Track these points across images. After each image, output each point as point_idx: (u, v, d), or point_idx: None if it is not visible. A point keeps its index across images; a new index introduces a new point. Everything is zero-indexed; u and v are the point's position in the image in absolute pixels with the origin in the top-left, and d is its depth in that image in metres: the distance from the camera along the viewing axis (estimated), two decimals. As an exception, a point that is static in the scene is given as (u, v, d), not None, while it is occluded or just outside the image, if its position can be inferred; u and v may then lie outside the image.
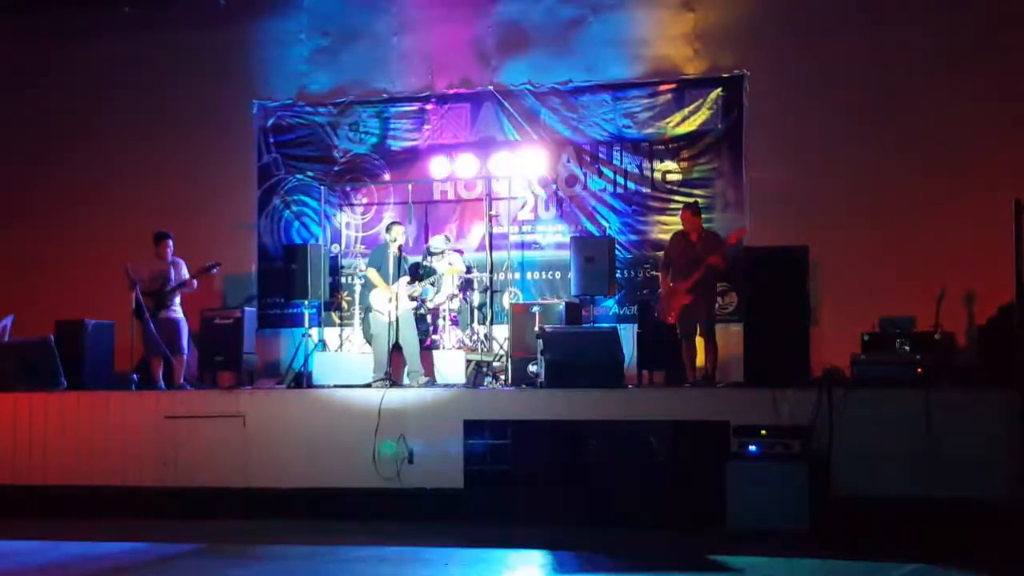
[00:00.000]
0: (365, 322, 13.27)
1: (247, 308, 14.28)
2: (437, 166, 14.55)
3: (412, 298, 12.56)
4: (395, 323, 12.23)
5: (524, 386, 11.77)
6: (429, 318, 13.09)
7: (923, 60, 13.47)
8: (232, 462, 11.15)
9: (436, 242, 13.60)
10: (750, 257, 11.36)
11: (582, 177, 14.71)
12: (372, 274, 12.60)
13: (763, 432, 9.75)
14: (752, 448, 9.72)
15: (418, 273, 12.90)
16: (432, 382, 12.26)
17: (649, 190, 14.46)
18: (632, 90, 14.57)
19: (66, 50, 15.98)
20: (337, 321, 14.48)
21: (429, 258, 13.38)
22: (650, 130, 14.47)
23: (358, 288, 14.14)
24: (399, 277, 12.51)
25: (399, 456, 10.76)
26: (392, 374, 12.06)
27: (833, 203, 13.46)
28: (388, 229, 12.94)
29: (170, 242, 13.06)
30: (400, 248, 12.76)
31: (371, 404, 10.93)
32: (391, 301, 12.29)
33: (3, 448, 11.65)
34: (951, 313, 12.03)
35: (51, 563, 9.02)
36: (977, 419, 9.72)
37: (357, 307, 14.02)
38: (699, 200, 13.59)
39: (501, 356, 13.14)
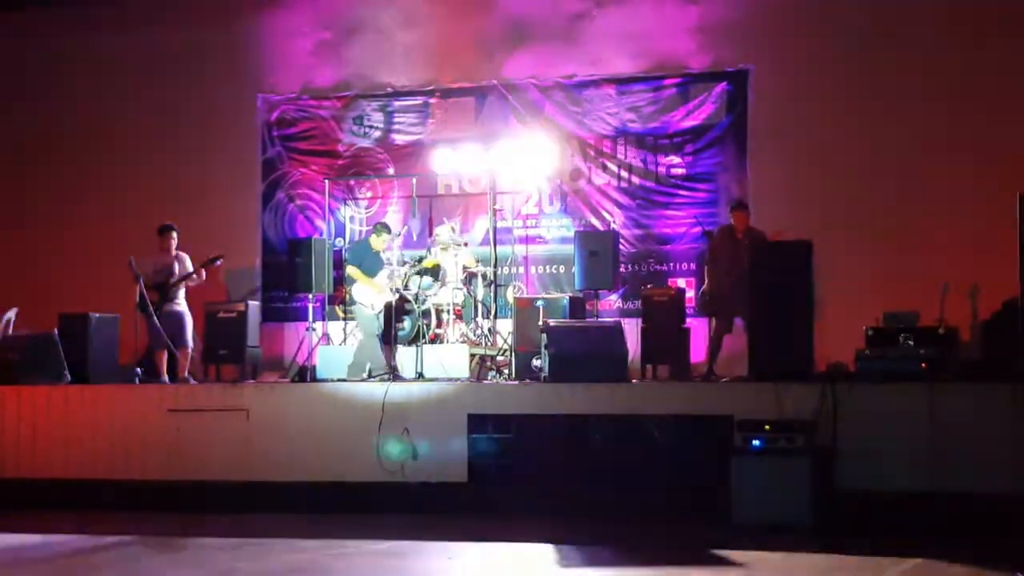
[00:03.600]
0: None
1: (251, 302, 14.29)
2: (441, 160, 14.56)
3: (391, 291, 12.54)
4: (380, 316, 12.25)
5: (528, 380, 11.76)
6: (433, 312, 13.06)
7: (928, 53, 13.46)
8: (236, 456, 11.15)
9: (442, 232, 13.57)
10: (754, 251, 11.34)
11: (586, 171, 14.72)
12: (353, 271, 12.60)
13: (767, 427, 9.73)
14: (756, 443, 9.70)
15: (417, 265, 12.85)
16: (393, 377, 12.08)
17: (653, 184, 14.48)
18: (636, 84, 14.58)
19: (70, 45, 16.01)
20: (341, 315, 14.48)
21: (434, 249, 13.34)
22: (654, 124, 14.50)
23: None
24: (378, 272, 12.54)
25: (405, 454, 10.75)
26: (396, 368, 12.05)
27: (837, 197, 13.47)
28: (377, 231, 12.93)
29: (174, 235, 13.08)
30: (378, 250, 12.78)
31: (375, 398, 10.93)
32: (379, 294, 12.31)
33: (7, 441, 11.64)
34: (955, 307, 12.03)
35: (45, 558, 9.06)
36: (981, 413, 9.69)
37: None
38: (703, 194, 13.73)
39: (505, 350, 13.13)
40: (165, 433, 11.34)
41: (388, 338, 12.30)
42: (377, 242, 12.76)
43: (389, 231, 13.00)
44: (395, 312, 12.48)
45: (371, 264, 12.66)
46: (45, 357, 12.24)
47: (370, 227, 13.78)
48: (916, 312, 11.65)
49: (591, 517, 10.07)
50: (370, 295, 12.45)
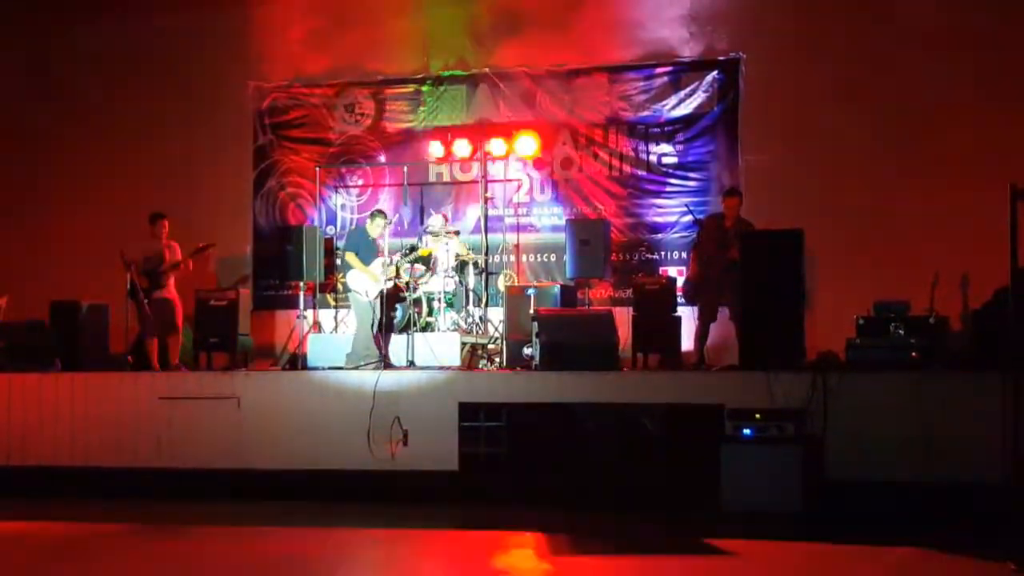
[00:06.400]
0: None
1: (242, 289, 14.26)
2: (433, 148, 14.54)
3: (387, 279, 12.55)
4: (377, 304, 12.25)
5: (519, 368, 11.77)
6: (424, 300, 13.06)
7: (921, 43, 13.47)
8: (226, 444, 11.15)
9: (434, 222, 13.58)
10: (745, 240, 11.35)
11: (578, 160, 14.71)
12: (350, 257, 12.59)
13: (757, 415, 9.76)
14: (746, 431, 9.73)
15: (409, 253, 12.87)
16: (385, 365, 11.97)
17: (645, 173, 14.47)
18: (628, 73, 14.57)
19: (63, 33, 15.94)
20: (332, 303, 14.46)
21: (426, 238, 13.36)
22: (646, 113, 14.48)
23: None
24: (373, 259, 12.56)
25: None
26: (386, 356, 12.05)
27: (829, 186, 13.47)
28: (373, 216, 12.93)
29: (165, 223, 13.07)
30: (373, 237, 12.78)
31: (366, 386, 10.93)
32: (375, 282, 12.30)
33: (-3, 429, 11.66)
34: (945, 297, 12.03)
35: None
36: (971, 403, 9.73)
37: (352, 289, 14.01)
38: (694, 183, 13.79)
39: (496, 338, 13.14)
40: (156, 421, 11.33)
41: (382, 326, 12.30)
42: (373, 228, 12.76)
43: (385, 216, 13.01)
44: (389, 300, 12.48)
45: (367, 251, 12.67)
46: (36, 345, 12.25)
47: (363, 215, 13.78)
48: (907, 301, 11.67)
49: (581, 505, 10.09)
50: (365, 282, 12.44)
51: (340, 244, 14.54)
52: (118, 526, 9.72)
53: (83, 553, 8.68)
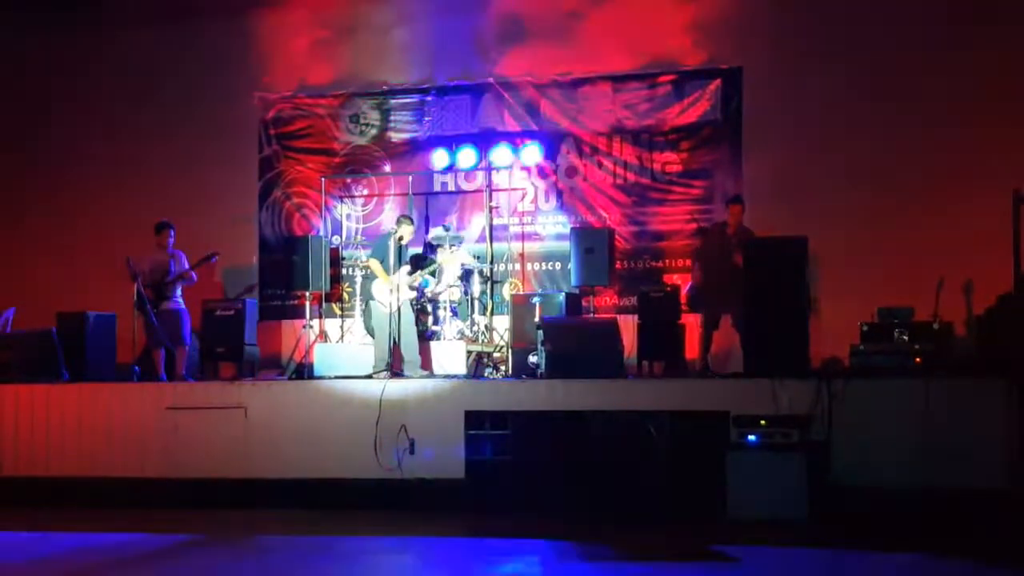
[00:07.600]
0: (366, 313, 13.30)
1: (248, 300, 14.30)
2: (437, 157, 14.60)
3: (411, 288, 12.57)
4: (396, 314, 12.26)
5: (524, 377, 11.79)
6: (430, 308, 13.10)
7: (922, 51, 13.49)
8: (234, 453, 11.16)
9: (436, 233, 13.64)
10: (749, 248, 11.37)
11: (582, 168, 14.74)
12: (374, 264, 12.62)
13: (762, 422, 9.78)
14: (751, 438, 9.76)
15: (419, 264, 12.91)
16: (430, 374, 12.20)
17: (649, 181, 14.51)
18: (632, 81, 14.60)
19: (66, 42, 16.00)
20: (338, 312, 14.50)
21: (429, 249, 13.40)
22: (649, 121, 14.51)
23: (359, 279, 14.14)
24: (399, 268, 12.57)
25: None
26: (393, 365, 12.08)
27: (832, 193, 13.50)
28: (398, 222, 12.90)
29: (171, 232, 13.10)
30: (403, 242, 12.79)
31: (372, 395, 10.95)
32: (392, 292, 12.31)
33: (4, 440, 11.63)
34: (950, 303, 12.05)
35: (43, 556, 9.05)
36: (976, 408, 9.74)
37: (358, 298, 14.02)
38: (698, 191, 13.83)
39: (502, 347, 13.17)
40: (163, 431, 11.35)
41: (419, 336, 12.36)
42: (401, 235, 12.78)
43: (412, 222, 13.00)
44: (420, 310, 12.52)
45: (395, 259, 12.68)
46: (43, 356, 12.25)
47: (370, 224, 13.78)
48: (911, 308, 11.69)
49: (588, 513, 10.10)
50: (386, 292, 12.43)
51: (346, 253, 14.63)
52: (125, 535, 9.74)
53: (88, 565, 8.72)
